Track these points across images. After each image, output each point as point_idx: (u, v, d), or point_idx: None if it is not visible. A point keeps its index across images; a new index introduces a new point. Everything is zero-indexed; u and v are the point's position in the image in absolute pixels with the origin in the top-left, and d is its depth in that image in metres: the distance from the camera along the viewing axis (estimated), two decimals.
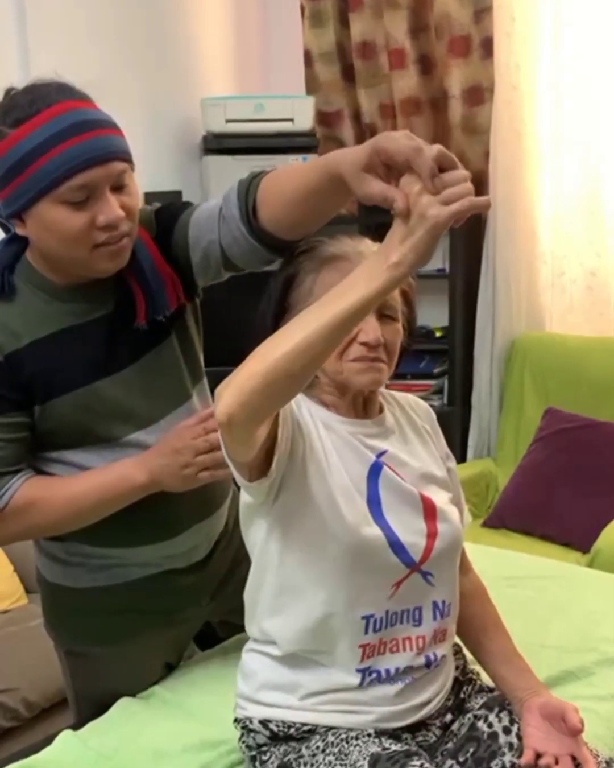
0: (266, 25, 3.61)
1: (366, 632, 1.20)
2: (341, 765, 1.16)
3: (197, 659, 1.65)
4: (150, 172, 3.21)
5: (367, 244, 1.22)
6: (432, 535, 1.22)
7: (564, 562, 2.23)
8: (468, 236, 3.13)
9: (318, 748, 1.19)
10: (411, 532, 1.21)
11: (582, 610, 1.80)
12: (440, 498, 1.27)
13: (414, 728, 1.24)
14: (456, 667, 1.34)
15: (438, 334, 3.25)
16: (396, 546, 1.19)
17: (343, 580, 1.18)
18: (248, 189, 1.27)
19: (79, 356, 1.33)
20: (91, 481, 1.34)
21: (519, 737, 1.22)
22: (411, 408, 1.34)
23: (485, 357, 3.18)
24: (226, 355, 3.26)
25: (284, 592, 1.22)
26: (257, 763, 1.26)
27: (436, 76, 3.24)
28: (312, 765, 1.18)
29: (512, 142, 3.01)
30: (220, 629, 1.67)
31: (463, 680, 1.35)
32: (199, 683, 1.54)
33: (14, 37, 2.77)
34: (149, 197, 3.18)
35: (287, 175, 1.24)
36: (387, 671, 1.21)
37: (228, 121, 3.19)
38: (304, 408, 1.22)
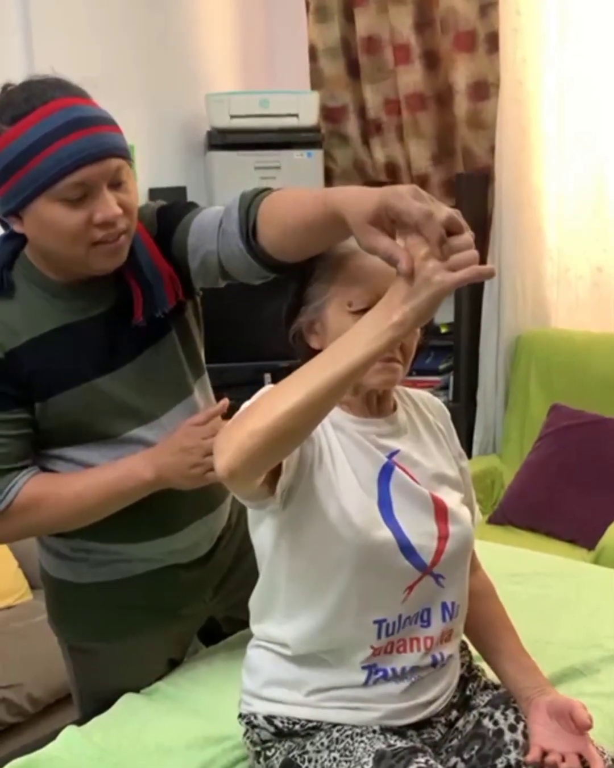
0: (271, 20, 3.61)
1: (379, 637, 1.19)
2: (346, 761, 1.15)
3: (201, 655, 1.65)
4: (154, 168, 3.21)
5: None
6: (443, 537, 1.21)
7: (570, 559, 2.22)
8: (474, 231, 3.11)
9: (322, 744, 1.19)
10: (422, 534, 1.20)
11: (587, 607, 1.79)
12: (452, 499, 1.25)
13: (419, 726, 1.24)
14: (462, 665, 1.34)
15: (443, 330, 3.24)
16: (407, 549, 1.18)
17: (354, 585, 1.16)
18: (249, 208, 1.25)
19: (78, 353, 1.33)
20: (97, 478, 1.34)
21: (525, 735, 1.21)
22: (425, 405, 1.33)
23: (490, 353, 3.17)
24: (228, 351, 3.28)
25: (295, 599, 1.21)
26: (262, 759, 1.26)
27: (442, 71, 3.23)
28: (316, 761, 1.18)
29: (517, 137, 2.99)
30: (224, 625, 1.67)
31: (468, 677, 1.35)
32: (203, 679, 1.54)
33: (19, 34, 2.77)
34: (154, 193, 3.18)
35: (289, 203, 1.21)
36: (394, 670, 1.21)
37: (232, 116, 3.18)
38: (328, 427, 1.20)
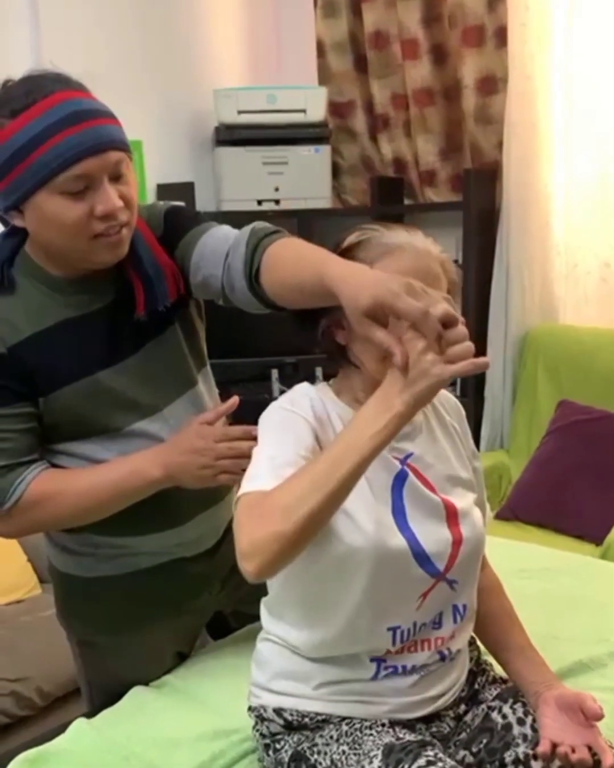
0: (278, 16, 3.60)
1: (394, 643, 1.20)
2: (355, 754, 1.16)
3: (210, 649, 1.65)
4: (162, 164, 3.21)
5: (422, 239, 1.18)
6: (457, 542, 1.21)
7: (577, 554, 2.22)
8: (482, 227, 3.12)
9: (332, 737, 1.20)
10: (437, 541, 1.19)
11: (595, 601, 1.80)
12: (465, 502, 1.25)
13: (428, 719, 1.25)
14: (470, 659, 1.34)
15: None
16: (421, 557, 1.18)
17: (369, 594, 1.16)
18: (256, 249, 1.27)
19: (80, 347, 1.33)
20: (104, 476, 1.34)
21: (533, 729, 1.21)
22: (442, 404, 1.31)
23: (498, 349, 3.16)
24: (235, 347, 3.27)
25: (309, 611, 1.21)
26: (271, 752, 1.26)
27: (450, 65, 3.23)
28: (325, 754, 1.18)
29: (525, 132, 2.98)
30: (232, 620, 1.68)
31: (477, 671, 1.35)
32: (211, 672, 1.55)
33: (27, 30, 2.77)
34: (162, 189, 3.18)
35: (289, 263, 1.22)
36: (404, 667, 1.21)
37: (240, 112, 3.19)
38: (333, 415, 1.19)
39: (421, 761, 1.10)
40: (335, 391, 1.23)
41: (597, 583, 1.91)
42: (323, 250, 1.17)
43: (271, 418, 1.18)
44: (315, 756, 1.19)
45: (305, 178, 3.27)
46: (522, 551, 2.11)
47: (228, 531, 1.54)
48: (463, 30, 3.11)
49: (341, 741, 1.18)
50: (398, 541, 1.17)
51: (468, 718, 1.28)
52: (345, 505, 1.10)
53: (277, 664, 1.26)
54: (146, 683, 1.53)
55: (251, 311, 1.34)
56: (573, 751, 1.15)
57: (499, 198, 3.14)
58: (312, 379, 1.29)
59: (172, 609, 1.51)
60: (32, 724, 2.05)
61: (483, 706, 1.28)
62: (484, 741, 1.23)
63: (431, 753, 1.12)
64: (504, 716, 1.24)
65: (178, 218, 1.39)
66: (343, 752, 1.17)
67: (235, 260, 1.29)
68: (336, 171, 3.50)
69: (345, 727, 1.20)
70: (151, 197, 3.17)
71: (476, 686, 1.33)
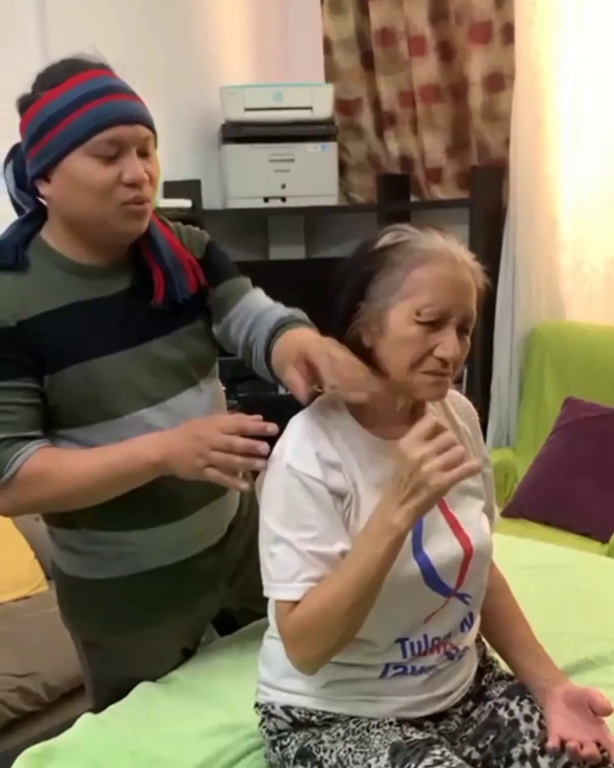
0: (285, 13, 3.60)
1: (404, 655, 1.20)
2: (361, 752, 1.16)
3: (216, 645, 1.65)
4: (169, 162, 3.20)
5: (456, 245, 1.15)
6: (467, 557, 1.20)
7: (584, 552, 2.22)
8: (488, 225, 3.12)
9: (339, 734, 1.20)
10: (448, 559, 1.19)
11: (601, 599, 1.80)
12: (473, 512, 1.24)
13: (436, 717, 1.25)
14: (477, 654, 1.34)
15: None
16: (433, 580, 1.18)
17: (379, 613, 1.14)
18: (274, 335, 1.37)
19: (91, 329, 1.34)
20: (104, 456, 1.32)
21: (540, 725, 1.22)
22: (454, 407, 1.29)
23: (504, 346, 3.16)
24: None
25: None
26: (277, 748, 1.26)
27: (456, 62, 3.22)
28: (332, 751, 1.19)
29: (532, 129, 2.98)
30: (238, 617, 1.68)
31: (484, 667, 1.35)
32: (218, 669, 1.55)
33: (34, 27, 2.77)
34: (168, 186, 3.18)
35: (284, 355, 1.30)
36: (413, 667, 1.21)
37: (247, 109, 3.19)
38: (351, 459, 1.17)
39: (428, 761, 1.10)
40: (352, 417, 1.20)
41: (603, 580, 1.91)
42: (302, 341, 1.25)
43: (274, 491, 1.16)
44: (322, 753, 1.20)
45: (312, 176, 3.27)
46: (528, 548, 2.11)
47: (233, 527, 1.54)
48: (470, 27, 3.11)
49: (348, 739, 1.19)
50: (411, 566, 1.16)
51: (475, 714, 1.28)
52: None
53: (285, 663, 1.25)
54: (153, 680, 1.53)
55: (263, 377, 1.45)
56: (582, 746, 1.16)
57: (506, 195, 3.14)
58: None
59: (178, 609, 1.51)
60: (39, 720, 2.05)
61: (491, 702, 1.28)
62: (491, 737, 1.23)
63: (438, 752, 1.12)
64: (511, 713, 1.25)
65: (219, 255, 1.49)
66: (350, 750, 1.17)
67: (258, 340, 1.40)
68: (342, 168, 3.50)
69: (352, 725, 1.20)
70: (157, 195, 3.17)
71: (483, 683, 1.33)
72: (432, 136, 3.31)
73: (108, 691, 1.54)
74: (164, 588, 1.47)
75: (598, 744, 1.17)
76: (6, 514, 1.38)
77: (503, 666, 1.36)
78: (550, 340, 3.07)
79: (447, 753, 1.13)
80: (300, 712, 1.24)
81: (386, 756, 1.13)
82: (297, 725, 1.24)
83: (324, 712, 1.23)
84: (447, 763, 1.10)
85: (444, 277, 1.12)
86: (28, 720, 2.05)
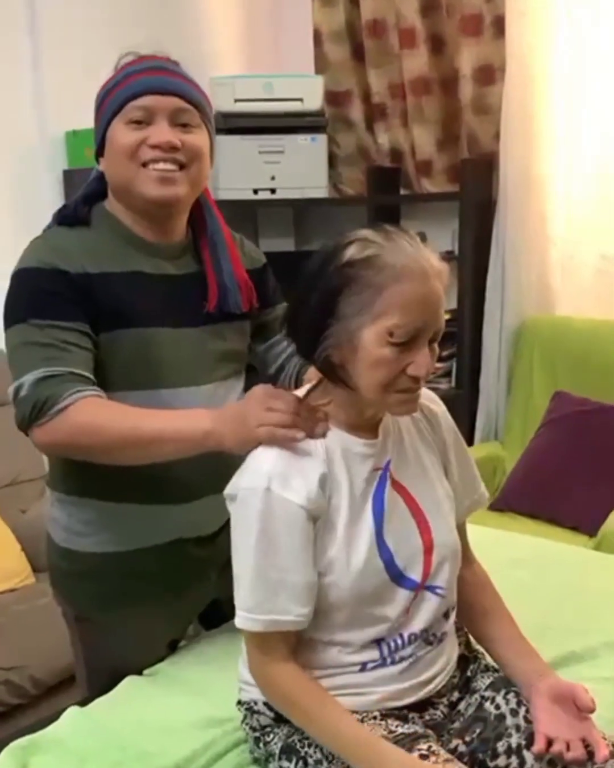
0: (276, 4, 3.58)
1: (382, 654, 1.20)
2: None
3: (203, 637, 1.66)
4: None
5: (423, 251, 1.11)
6: (428, 549, 1.21)
7: (571, 545, 2.23)
8: (478, 218, 3.12)
9: None
10: (410, 553, 1.20)
11: (588, 592, 1.80)
12: (434, 497, 1.24)
13: (421, 707, 1.24)
14: (460, 644, 1.34)
15: (446, 316, 3.23)
16: (398, 577, 1.19)
17: (351, 616, 1.16)
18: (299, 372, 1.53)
19: (146, 300, 1.39)
20: (156, 415, 1.31)
21: (527, 720, 1.22)
22: None
23: (493, 340, 3.16)
24: None
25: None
26: (261, 744, 1.26)
27: (447, 55, 3.21)
28: (317, 747, 1.18)
29: (523, 122, 2.97)
30: (227, 606, 1.68)
31: (469, 657, 1.35)
32: (205, 661, 1.55)
33: (23, 18, 2.75)
34: None
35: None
36: (393, 658, 1.21)
37: (237, 100, 3.17)
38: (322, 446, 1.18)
39: (414, 755, 1.10)
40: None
41: (590, 574, 1.91)
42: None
43: (249, 519, 1.16)
44: (306, 748, 1.19)
45: (301, 168, 3.26)
46: (516, 542, 2.11)
47: (227, 523, 1.55)
48: (461, 19, 3.10)
49: None
50: (374, 560, 1.16)
51: (461, 706, 1.29)
52: (342, 546, 1.15)
53: None
54: (140, 667, 1.54)
55: None
56: (568, 748, 1.15)
57: (496, 188, 3.13)
58: None
59: (169, 590, 1.52)
60: (26, 713, 2.05)
61: (477, 695, 1.28)
62: (477, 730, 1.23)
63: (424, 746, 1.12)
64: (497, 706, 1.25)
65: (272, 280, 1.60)
66: None
67: (289, 366, 1.57)
68: (332, 160, 3.49)
69: None
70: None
71: (468, 673, 1.33)
72: (423, 129, 3.30)
73: (98, 675, 1.55)
74: (159, 567, 1.49)
75: (584, 741, 1.17)
76: (41, 448, 1.36)
77: (489, 658, 1.37)
78: (539, 334, 3.07)
79: (434, 747, 1.13)
80: None
81: None
82: (280, 720, 1.24)
83: None
84: (433, 758, 1.10)
85: (415, 295, 1.09)
86: (14, 713, 2.04)
